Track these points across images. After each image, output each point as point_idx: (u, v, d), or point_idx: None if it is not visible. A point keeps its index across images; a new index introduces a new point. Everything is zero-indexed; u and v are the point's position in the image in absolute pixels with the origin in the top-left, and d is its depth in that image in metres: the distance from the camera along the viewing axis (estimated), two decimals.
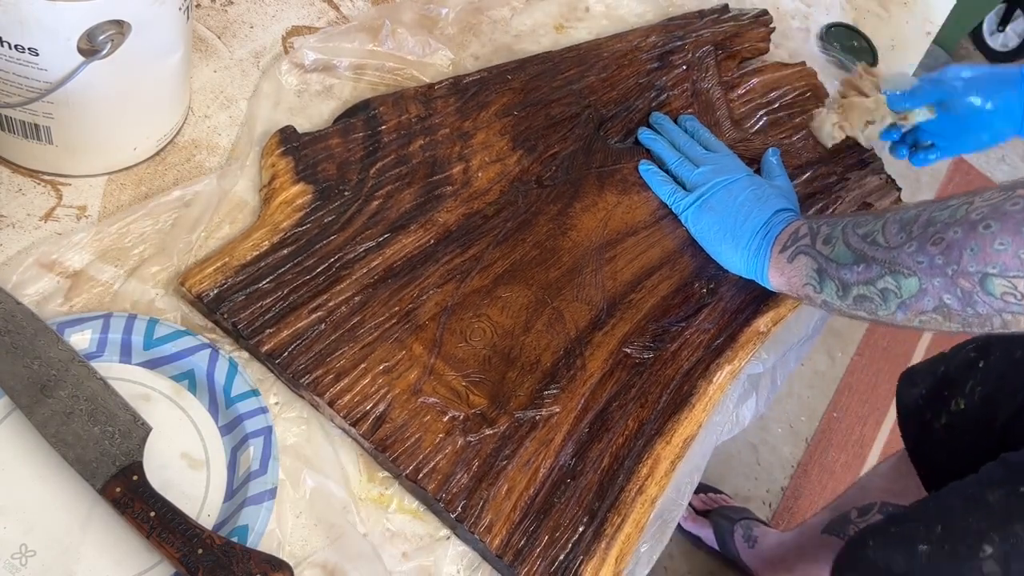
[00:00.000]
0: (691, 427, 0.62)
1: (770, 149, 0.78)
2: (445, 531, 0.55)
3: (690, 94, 0.82)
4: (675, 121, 0.78)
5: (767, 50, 0.91)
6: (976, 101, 0.74)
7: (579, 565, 0.54)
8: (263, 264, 0.57)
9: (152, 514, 0.46)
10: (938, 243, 0.52)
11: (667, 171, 0.73)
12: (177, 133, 0.64)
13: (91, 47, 0.51)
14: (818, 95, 0.88)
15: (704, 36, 0.88)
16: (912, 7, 1.05)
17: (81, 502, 0.48)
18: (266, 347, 0.54)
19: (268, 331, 0.55)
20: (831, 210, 0.79)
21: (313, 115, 0.69)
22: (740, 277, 0.71)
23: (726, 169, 0.71)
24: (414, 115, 0.69)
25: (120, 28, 0.51)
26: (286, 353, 0.55)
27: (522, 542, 0.53)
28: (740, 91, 0.86)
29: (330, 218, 0.61)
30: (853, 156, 0.84)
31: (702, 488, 1.40)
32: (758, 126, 0.83)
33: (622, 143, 0.76)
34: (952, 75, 0.75)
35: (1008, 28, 2.45)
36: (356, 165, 0.64)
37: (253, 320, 0.55)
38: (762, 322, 0.70)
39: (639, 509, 0.57)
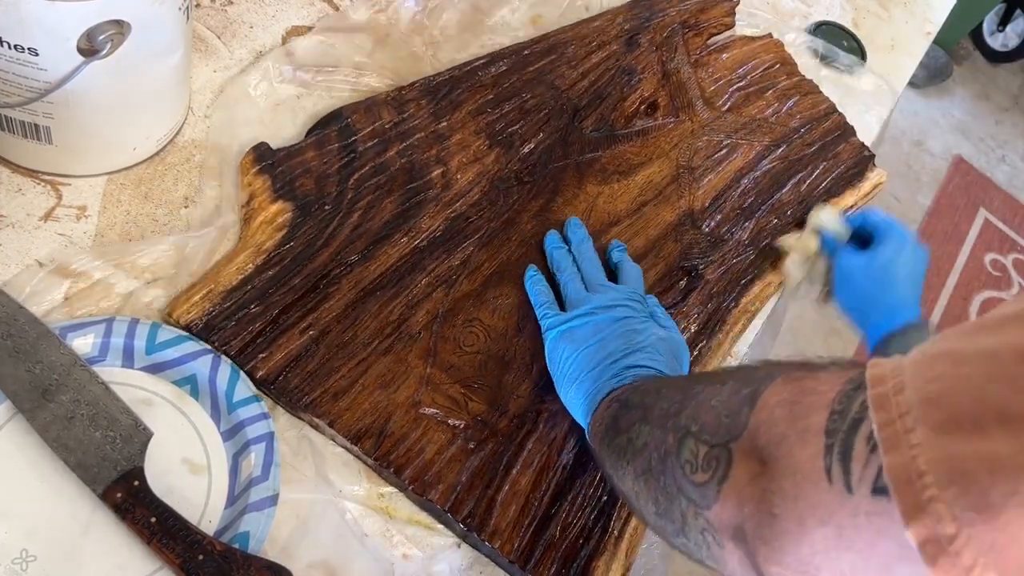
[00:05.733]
0: None
1: (614, 244, 0.67)
2: (454, 539, 0.55)
3: (661, 76, 0.82)
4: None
5: (733, 25, 0.91)
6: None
7: (590, 563, 0.54)
8: (249, 287, 0.57)
9: (153, 520, 0.46)
10: (686, 396, 0.42)
11: (557, 281, 0.63)
12: (177, 133, 0.64)
13: (91, 47, 0.51)
14: (787, 67, 0.89)
15: (670, 15, 0.87)
16: (912, 7, 1.06)
17: (82, 507, 0.48)
18: (260, 373, 0.54)
19: (261, 356, 0.54)
20: (807, 183, 0.80)
21: (283, 125, 0.67)
22: (724, 257, 0.71)
23: (611, 299, 0.59)
24: (388, 121, 0.68)
25: (120, 28, 0.51)
26: (281, 378, 0.54)
27: (533, 545, 0.54)
28: (709, 69, 0.85)
29: (313, 234, 0.60)
30: (827, 126, 0.85)
31: None
32: (730, 103, 0.83)
33: (598, 131, 0.75)
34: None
35: (1008, 28, 2.46)
36: (334, 177, 0.64)
37: (245, 346, 0.54)
38: (748, 300, 0.71)
39: None
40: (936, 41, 1.10)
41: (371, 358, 0.57)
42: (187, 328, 0.54)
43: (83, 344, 0.52)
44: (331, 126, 0.66)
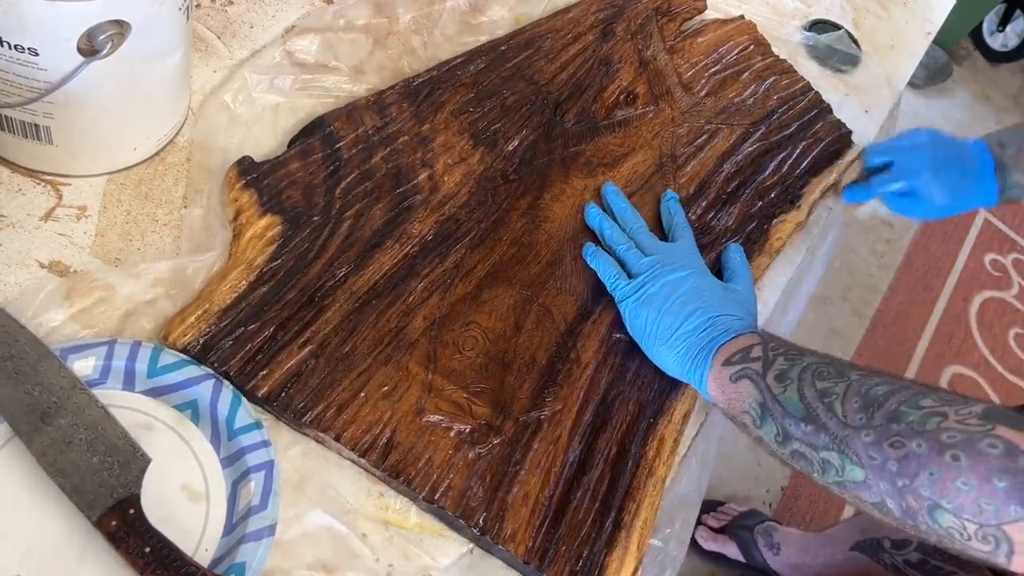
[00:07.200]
0: (688, 402, 0.63)
1: (732, 247, 0.70)
2: (467, 545, 0.55)
3: (638, 64, 0.82)
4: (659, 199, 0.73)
5: (705, 8, 0.91)
6: (937, 197, 0.75)
7: (604, 558, 0.55)
8: (244, 305, 0.56)
9: (147, 549, 0.46)
10: (897, 447, 0.46)
11: (614, 256, 0.66)
12: (177, 133, 0.64)
13: (91, 47, 0.51)
14: (761, 47, 0.89)
15: (642, 2, 0.87)
16: (912, 7, 1.06)
17: (78, 533, 0.47)
18: (262, 391, 0.53)
19: (261, 374, 0.54)
20: (788, 164, 0.80)
21: (264, 136, 0.67)
22: (712, 244, 0.72)
23: (676, 260, 0.64)
24: (370, 126, 0.67)
25: (120, 28, 0.51)
26: (283, 394, 0.54)
27: (546, 545, 0.54)
28: (685, 54, 0.85)
29: (304, 247, 0.60)
30: (804, 105, 0.85)
31: (709, 506, 1.41)
32: (707, 88, 0.84)
33: (579, 125, 0.75)
34: (912, 171, 0.76)
35: (1008, 28, 2.47)
36: (321, 187, 0.63)
37: (244, 365, 0.54)
38: None
39: (652, 492, 0.58)
40: (936, 41, 1.10)
41: (372, 369, 0.56)
42: (184, 351, 0.53)
43: (84, 366, 0.51)
44: (314, 135, 0.65)
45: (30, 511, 0.47)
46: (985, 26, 2.51)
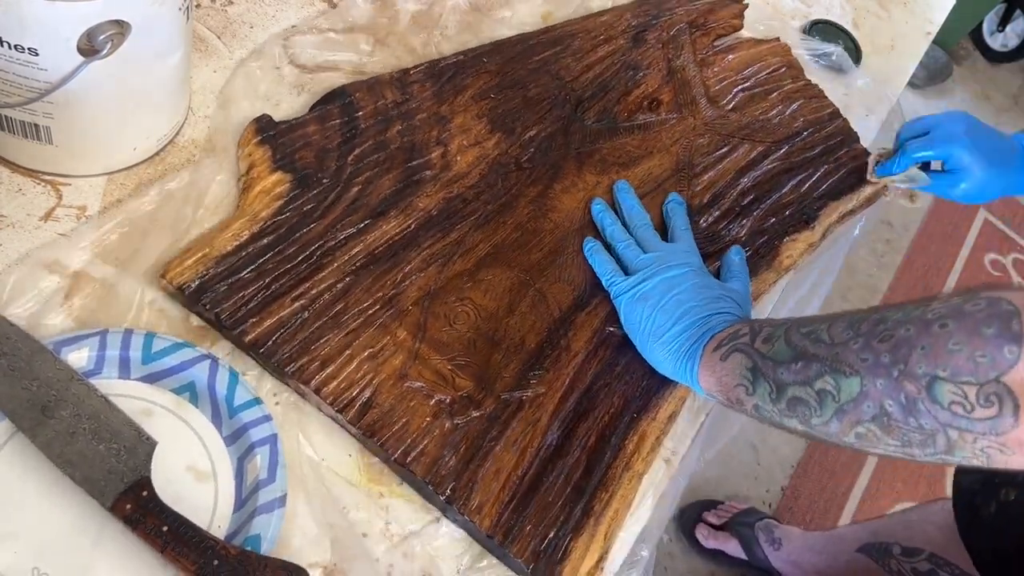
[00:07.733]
0: (675, 403, 0.63)
1: (734, 248, 0.70)
2: (435, 513, 0.55)
3: (665, 73, 0.82)
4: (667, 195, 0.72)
5: (741, 27, 0.91)
6: (976, 169, 0.73)
7: (569, 542, 0.54)
8: (244, 254, 0.57)
9: (165, 528, 0.46)
10: (886, 340, 0.46)
11: (613, 252, 0.67)
12: (177, 133, 0.64)
13: (91, 47, 0.51)
14: (793, 71, 0.89)
15: (678, 14, 0.88)
16: (912, 7, 1.06)
17: (91, 521, 0.48)
18: (249, 337, 0.54)
19: (251, 320, 0.55)
20: (807, 185, 0.80)
21: (289, 105, 0.68)
22: (720, 253, 0.71)
23: (673, 259, 0.64)
24: (390, 100, 0.69)
25: (120, 28, 0.51)
26: (270, 342, 0.54)
27: (512, 521, 0.54)
28: (715, 68, 0.86)
29: (309, 206, 0.61)
30: (830, 130, 0.85)
31: (710, 504, 1.40)
32: (734, 103, 0.84)
33: (599, 123, 0.76)
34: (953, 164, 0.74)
35: (1008, 28, 2.47)
36: (334, 152, 0.64)
37: (235, 310, 0.55)
38: None
39: (626, 485, 0.58)
40: (936, 41, 1.10)
41: (360, 329, 0.57)
42: (179, 290, 0.55)
43: (78, 358, 0.52)
44: (334, 102, 0.67)
45: (41, 504, 0.48)
46: (985, 26, 2.50)
